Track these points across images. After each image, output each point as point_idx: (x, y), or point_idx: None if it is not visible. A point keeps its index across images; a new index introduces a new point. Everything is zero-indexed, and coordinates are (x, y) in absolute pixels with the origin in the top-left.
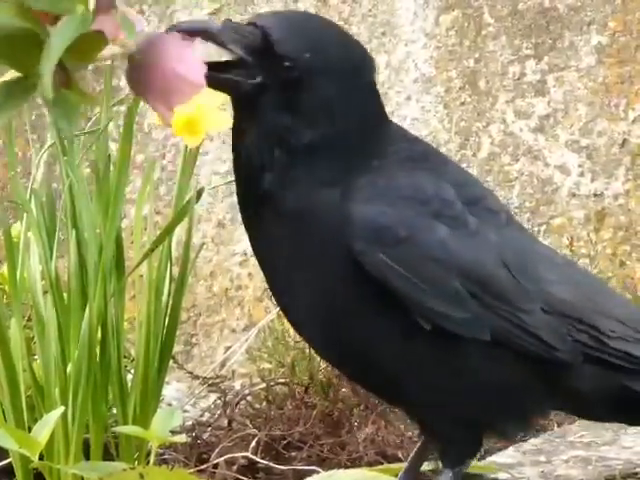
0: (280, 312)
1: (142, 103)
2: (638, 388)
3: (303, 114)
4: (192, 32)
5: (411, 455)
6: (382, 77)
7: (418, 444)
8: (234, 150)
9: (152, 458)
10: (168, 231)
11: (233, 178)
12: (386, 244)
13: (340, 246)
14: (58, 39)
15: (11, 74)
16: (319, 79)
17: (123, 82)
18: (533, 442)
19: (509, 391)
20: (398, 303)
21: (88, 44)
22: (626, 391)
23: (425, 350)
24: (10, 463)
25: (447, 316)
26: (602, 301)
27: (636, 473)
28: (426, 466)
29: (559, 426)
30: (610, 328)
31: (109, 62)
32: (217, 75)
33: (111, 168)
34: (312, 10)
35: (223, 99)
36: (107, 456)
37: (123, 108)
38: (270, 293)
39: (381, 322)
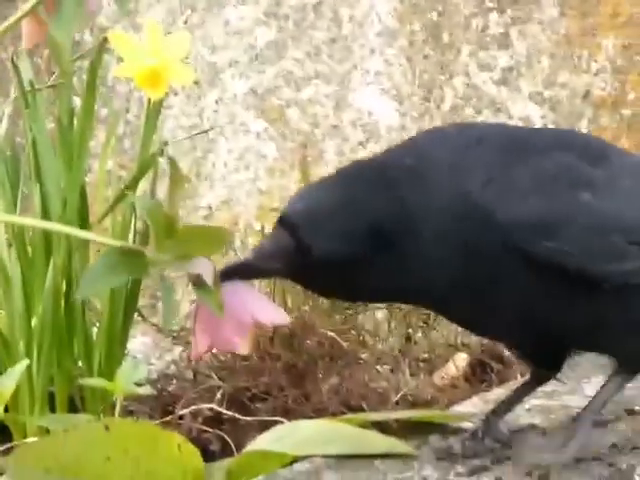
0: None
1: (105, 56)
2: None
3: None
4: (232, 275)
5: (508, 395)
6: (345, 31)
7: (519, 387)
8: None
9: (117, 410)
10: (132, 185)
11: (197, 131)
12: (545, 232)
13: (508, 252)
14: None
15: None
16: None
17: (86, 36)
18: (496, 392)
19: None
20: (572, 276)
21: None
22: None
23: (609, 303)
24: None
25: (620, 272)
26: None
27: (598, 421)
28: None
29: (522, 376)
30: None
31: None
32: (264, 267)
33: (75, 122)
34: None
35: (186, 52)
36: (72, 409)
37: (86, 62)
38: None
39: (566, 295)
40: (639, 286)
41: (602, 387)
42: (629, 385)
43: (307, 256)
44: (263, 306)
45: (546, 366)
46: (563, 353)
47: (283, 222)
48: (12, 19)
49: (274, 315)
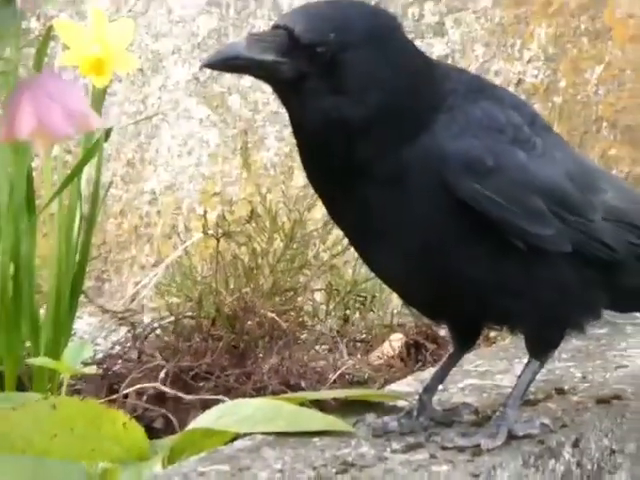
0: (188, 248)
1: (52, 44)
2: None
3: (350, 91)
4: (221, 64)
5: (436, 370)
6: None
7: (444, 360)
8: (297, 134)
9: (64, 389)
10: (78, 170)
11: (141, 118)
12: (478, 174)
13: (435, 183)
14: None
15: None
16: (353, 53)
17: (32, 24)
18: (430, 371)
19: (583, 291)
20: (492, 227)
21: None
22: None
23: (517, 266)
24: None
25: (538, 235)
26: None
27: (529, 400)
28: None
29: None
30: None
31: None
32: (258, 58)
33: None
34: None
35: (130, 40)
36: (21, 388)
37: (33, 50)
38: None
39: (477, 246)
40: (550, 255)
41: (522, 372)
42: (559, 365)
43: (298, 46)
44: (85, 105)
45: (455, 329)
46: (474, 322)
47: (281, 24)
48: None
49: (90, 116)
